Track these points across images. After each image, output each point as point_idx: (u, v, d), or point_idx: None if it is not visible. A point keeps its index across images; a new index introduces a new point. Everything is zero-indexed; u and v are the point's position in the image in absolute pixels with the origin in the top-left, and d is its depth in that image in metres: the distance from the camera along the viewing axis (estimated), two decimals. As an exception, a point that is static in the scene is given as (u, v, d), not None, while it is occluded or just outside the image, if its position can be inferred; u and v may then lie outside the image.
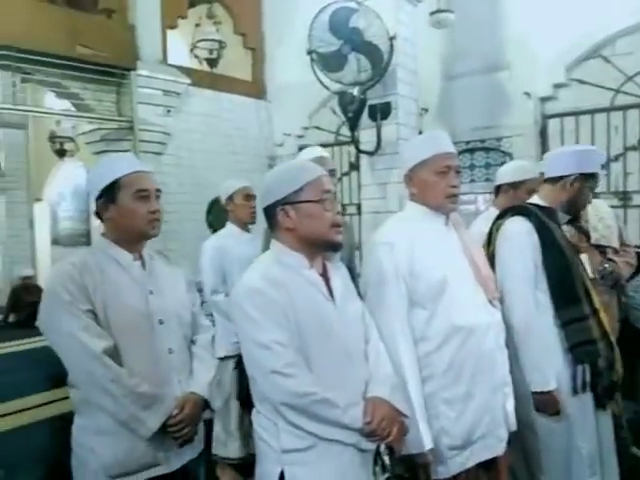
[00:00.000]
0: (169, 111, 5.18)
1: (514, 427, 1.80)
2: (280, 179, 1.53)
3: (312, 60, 3.62)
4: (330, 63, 3.57)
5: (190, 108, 5.41)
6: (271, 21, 6.05)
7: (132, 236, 1.67)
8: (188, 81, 5.26)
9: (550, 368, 1.93)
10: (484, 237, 2.22)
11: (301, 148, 5.79)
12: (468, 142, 4.73)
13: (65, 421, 1.72)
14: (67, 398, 1.71)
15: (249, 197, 3.07)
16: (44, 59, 4.22)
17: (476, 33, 4.58)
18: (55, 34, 4.23)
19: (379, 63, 3.58)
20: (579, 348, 1.94)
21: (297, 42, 5.68)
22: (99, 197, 1.66)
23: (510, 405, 1.78)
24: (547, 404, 1.92)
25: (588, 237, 2.63)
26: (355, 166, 5.28)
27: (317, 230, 1.50)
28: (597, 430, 2.01)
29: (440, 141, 1.82)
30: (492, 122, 4.62)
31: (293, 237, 1.51)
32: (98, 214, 1.70)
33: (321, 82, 3.67)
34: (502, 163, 4.39)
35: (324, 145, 5.55)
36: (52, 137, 7.36)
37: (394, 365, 1.62)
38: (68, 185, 9.27)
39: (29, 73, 4.46)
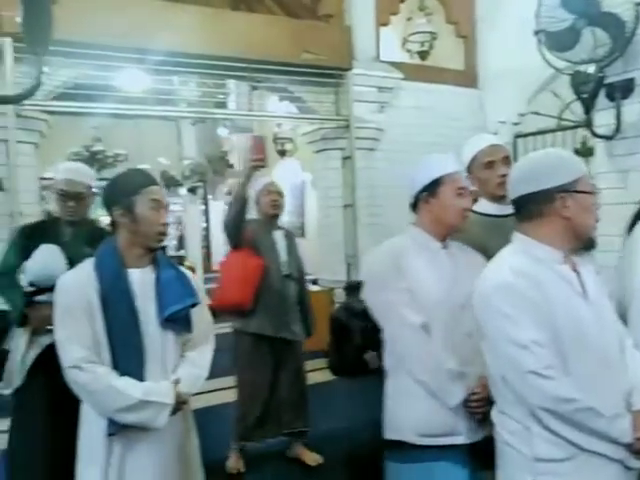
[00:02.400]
0: (382, 107, 5.30)
1: None
2: (556, 165, 1.42)
3: (539, 41, 3.35)
4: (561, 41, 3.25)
5: (401, 102, 5.47)
6: (484, 7, 5.79)
7: (444, 227, 1.80)
8: (400, 76, 5.31)
9: None
10: None
11: (518, 136, 5.46)
12: None
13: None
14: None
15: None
16: (274, 67, 4.65)
17: None
18: (284, 43, 4.63)
19: (620, 35, 3.16)
20: None
21: (512, 25, 5.36)
22: (421, 191, 1.79)
23: None
24: None
25: None
26: (581, 152, 4.78)
27: (588, 224, 1.40)
28: None
29: None
30: None
31: (565, 227, 1.40)
32: (415, 205, 1.84)
33: (550, 64, 3.37)
34: None
35: (544, 131, 5.17)
36: (275, 139, 8.10)
37: None
38: (286, 182, 10.11)
39: (260, 81, 4.94)
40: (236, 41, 4.50)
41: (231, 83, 6.34)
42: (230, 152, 8.88)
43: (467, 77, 5.88)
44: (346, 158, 5.34)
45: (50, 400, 2.09)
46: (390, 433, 1.79)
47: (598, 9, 3.17)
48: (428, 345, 1.68)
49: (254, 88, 5.77)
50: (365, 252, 5.38)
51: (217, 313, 3.16)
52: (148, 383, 1.58)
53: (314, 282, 5.76)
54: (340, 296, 5.65)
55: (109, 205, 1.66)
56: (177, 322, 1.67)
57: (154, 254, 1.71)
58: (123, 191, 1.65)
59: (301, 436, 3.13)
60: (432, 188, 1.77)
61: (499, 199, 1.97)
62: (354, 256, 5.40)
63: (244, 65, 4.60)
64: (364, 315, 4.94)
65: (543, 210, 1.41)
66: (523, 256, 1.42)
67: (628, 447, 1.28)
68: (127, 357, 1.58)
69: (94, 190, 2.45)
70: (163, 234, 1.65)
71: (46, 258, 2.21)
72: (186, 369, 1.70)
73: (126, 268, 1.63)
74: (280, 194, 3.09)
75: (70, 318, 1.56)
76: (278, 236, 3.10)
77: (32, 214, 3.98)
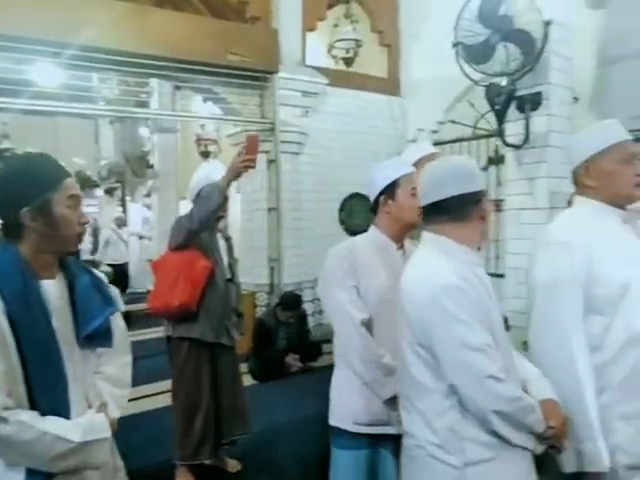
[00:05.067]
0: (307, 112, 5.34)
1: None
2: (476, 170, 1.51)
3: (457, 53, 3.51)
4: (477, 54, 3.43)
5: (326, 108, 5.53)
6: (407, 17, 5.99)
7: (403, 226, 1.89)
8: (325, 81, 5.38)
9: None
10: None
11: (436, 143, 5.65)
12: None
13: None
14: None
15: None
16: (199, 68, 4.56)
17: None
18: (209, 44, 4.56)
19: (531, 51, 3.38)
20: None
21: (434, 37, 5.57)
22: (380, 194, 1.88)
23: None
24: None
25: None
26: (494, 160, 5.05)
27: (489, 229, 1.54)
28: None
29: (619, 129, 1.70)
30: (657, 109, 4.16)
31: (481, 230, 1.51)
32: (375, 208, 1.92)
33: (467, 75, 3.54)
34: (669, 154, 3.94)
35: (461, 140, 5.40)
36: (198, 140, 7.94)
37: (566, 373, 1.52)
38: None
39: (184, 81, 4.83)
40: (159, 39, 4.37)
41: (154, 82, 6.15)
42: (151, 152, 8.60)
43: (390, 85, 6.05)
44: (271, 161, 5.33)
45: None
46: (333, 420, 1.91)
47: (511, 26, 3.36)
48: (366, 340, 1.77)
49: (178, 88, 5.62)
50: (288, 256, 5.39)
51: (153, 317, 2.99)
52: (82, 420, 1.34)
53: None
54: (262, 300, 5.62)
55: (10, 206, 1.30)
56: (97, 337, 1.41)
57: (61, 259, 1.41)
58: (34, 187, 1.30)
59: (234, 443, 3.05)
60: (390, 190, 1.86)
61: None
62: (277, 260, 5.39)
63: (167, 64, 4.49)
64: (290, 320, 4.93)
65: (470, 212, 1.45)
66: (449, 258, 1.42)
67: (538, 436, 1.36)
68: (47, 387, 1.30)
69: None
70: (82, 235, 1.39)
71: None
72: (110, 390, 1.47)
73: (36, 280, 1.31)
74: (226, 197, 3.02)
75: None
76: (219, 239, 3.03)
77: None
